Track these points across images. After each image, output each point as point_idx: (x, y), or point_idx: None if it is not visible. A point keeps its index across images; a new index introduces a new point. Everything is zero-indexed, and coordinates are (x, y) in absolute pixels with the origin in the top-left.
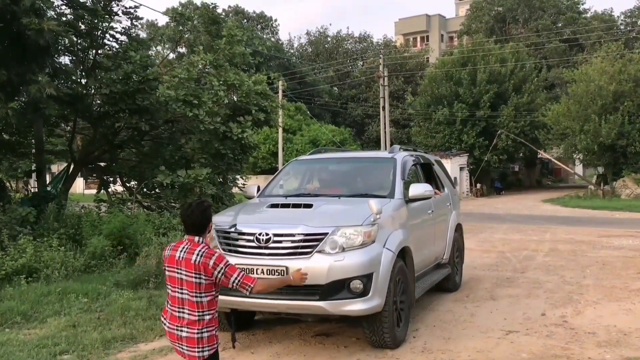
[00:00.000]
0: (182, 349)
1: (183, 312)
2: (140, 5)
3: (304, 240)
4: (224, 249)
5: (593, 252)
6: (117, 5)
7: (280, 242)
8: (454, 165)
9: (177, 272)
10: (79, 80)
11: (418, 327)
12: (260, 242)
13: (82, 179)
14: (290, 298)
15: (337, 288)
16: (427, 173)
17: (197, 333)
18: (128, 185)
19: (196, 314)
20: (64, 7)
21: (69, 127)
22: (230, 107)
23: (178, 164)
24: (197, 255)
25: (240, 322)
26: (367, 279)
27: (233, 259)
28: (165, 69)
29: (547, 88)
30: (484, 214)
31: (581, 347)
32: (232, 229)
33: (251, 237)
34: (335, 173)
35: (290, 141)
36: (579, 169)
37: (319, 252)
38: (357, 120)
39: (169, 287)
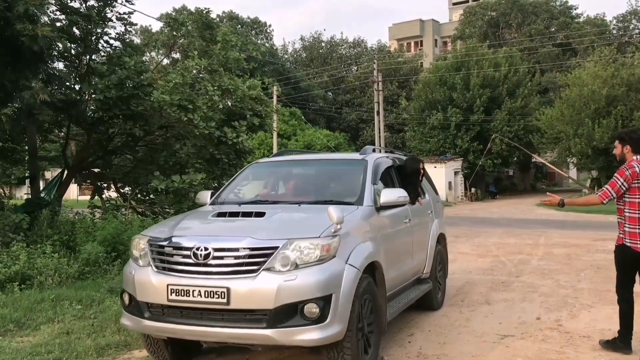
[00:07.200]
0: None
1: None
2: (135, 11)
3: (250, 256)
4: (157, 267)
5: (587, 255)
6: (111, 11)
7: (221, 257)
8: (448, 170)
9: None
10: (72, 85)
11: (413, 332)
12: (198, 258)
13: (76, 185)
14: (233, 326)
15: (288, 313)
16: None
17: None
18: (122, 191)
19: None
20: (57, 12)
21: (62, 133)
22: (225, 112)
23: (172, 170)
24: None
25: (186, 350)
26: (324, 301)
27: (166, 279)
28: (159, 75)
29: (540, 92)
30: (478, 218)
31: (576, 351)
32: (167, 242)
33: (188, 252)
34: (299, 177)
35: (285, 146)
36: (573, 172)
37: (267, 269)
38: (352, 125)
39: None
